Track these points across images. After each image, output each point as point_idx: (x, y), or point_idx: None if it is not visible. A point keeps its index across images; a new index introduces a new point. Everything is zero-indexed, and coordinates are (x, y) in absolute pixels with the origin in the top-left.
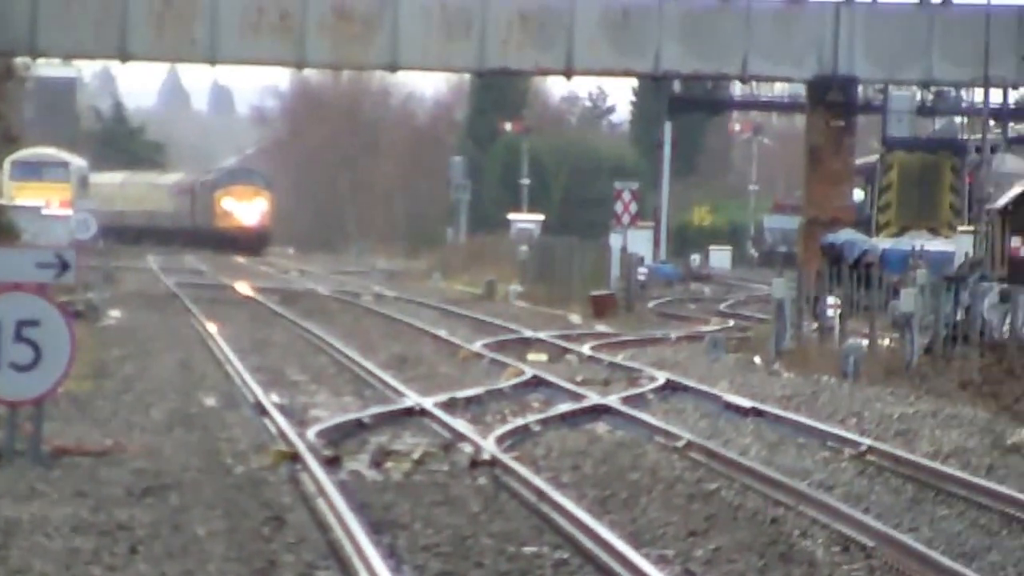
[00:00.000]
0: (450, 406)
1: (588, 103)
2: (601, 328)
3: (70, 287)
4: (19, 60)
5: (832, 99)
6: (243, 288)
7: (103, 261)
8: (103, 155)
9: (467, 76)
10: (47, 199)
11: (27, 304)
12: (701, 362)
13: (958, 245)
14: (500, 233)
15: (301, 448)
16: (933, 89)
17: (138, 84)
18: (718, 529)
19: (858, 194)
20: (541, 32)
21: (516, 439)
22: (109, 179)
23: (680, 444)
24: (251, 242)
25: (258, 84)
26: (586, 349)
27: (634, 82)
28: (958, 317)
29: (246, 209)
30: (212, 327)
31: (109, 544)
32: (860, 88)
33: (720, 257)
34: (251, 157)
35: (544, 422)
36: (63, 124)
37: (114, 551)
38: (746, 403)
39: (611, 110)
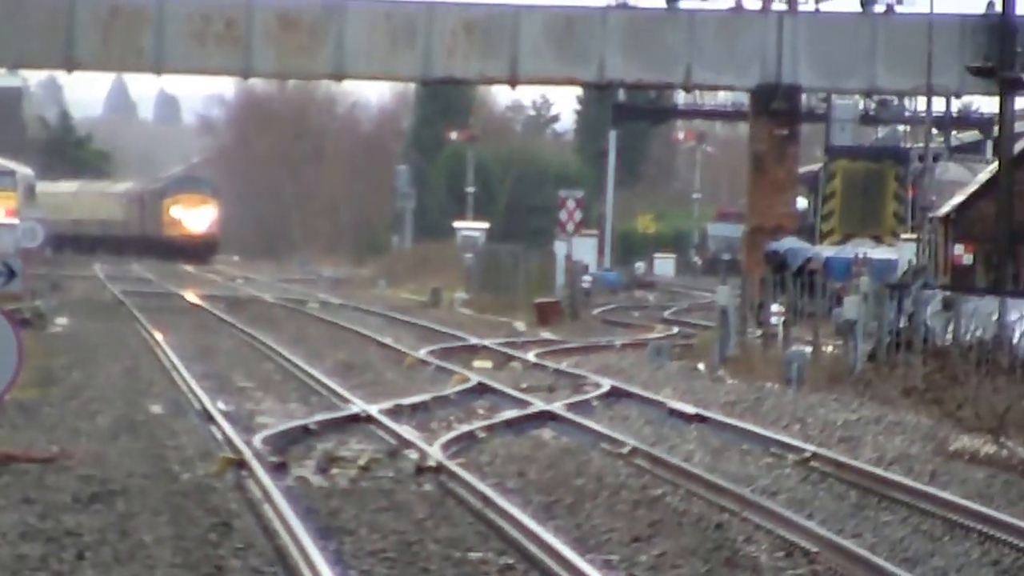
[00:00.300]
0: (396, 413)
1: (533, 112)
2: (546, 335)
3: (17, 295)
4: None
5: (776, 107)
6: (189, 296)
7: (50, 269)
8: (50, 164)
9: (412, 85)
10: None
11: None
12: (645, 369)
13: (901, 253)
14: (445, 241)
15: (247, 455)
16: (876, 98)
17: (84, 93)
18: (663, 535)
19: (801, 202)
20: (486, 41)
21: (462, 445)
22: (65, 188)
23: (625, 450)
24: (199, 250)
25: (204, 93)
26: (531, 356)
27: (578, 91)
28: (901, 324)
29: (194, 217)
30: (158, 335)
31: (56, 550)
32: (803, 96)
33: (664, 265)
34: (197, 166)
35: (489, 428)
36: (9, 133)
37: (62, 557)
38: (690, 410)
39: (555, 119)
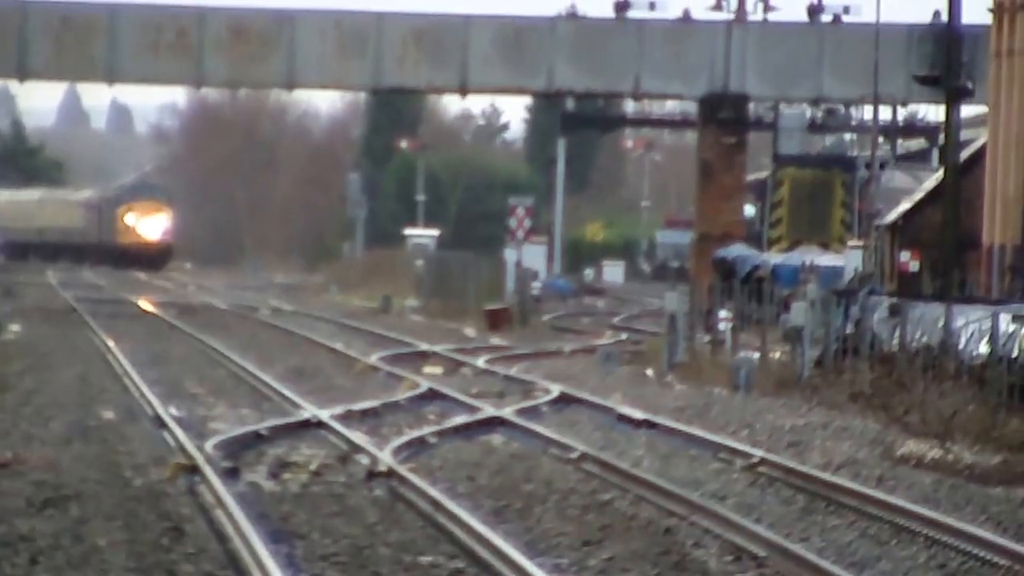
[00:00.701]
0: (347, 418)
1: (482, 120)
2: (496, 341)
3: None
4: None
5: (723, 116)
6: (141, 302)
7: (3, 277)
8: (1, 173)
9: (363, 94)
10: None
11: None
12: (595, 375)
13: (848, 260)
14: (396, 248)
15: (200, 460)
16: (823, 106)
17: (37, 103)
18: (612, 539)
19: (748, 210)
20: (436, 50)
21: (412, 451)
22: (27, 196)
23: (574, 455)
24: (153, 258)
25: (157, 102)
26: (481, 362)
27: (528, 99)
28: (848, 330)
29: (149, 224)
30: (111, 341)
31: (10, 555)
32: (751, 105)
33: (613, 272)
34: (150, 174)
35: (440, 434)
36: None
37: (15, 562)
38: (639, 415)
39: (505, 127)
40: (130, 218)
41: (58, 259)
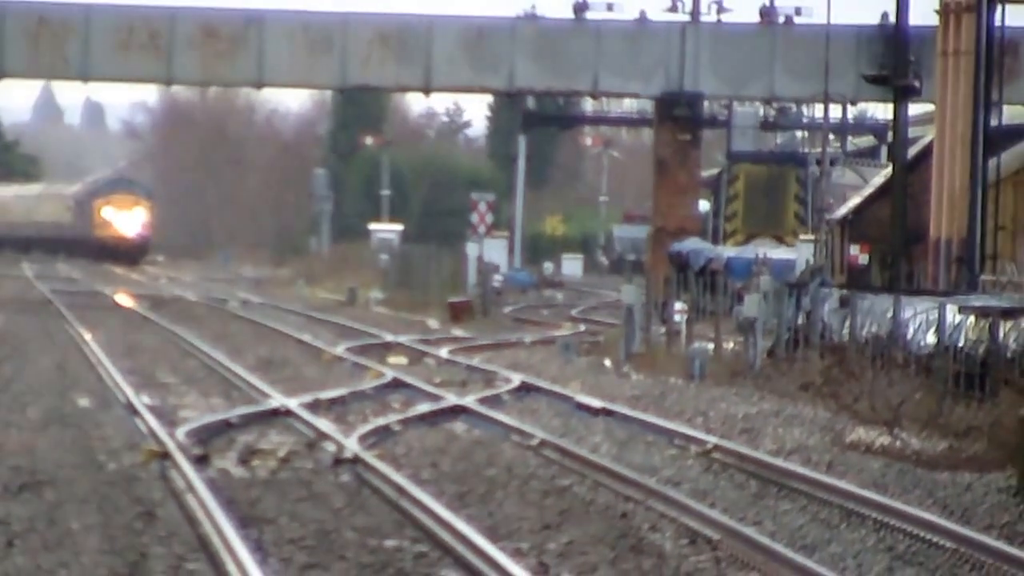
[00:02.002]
0: (314, 407)
1: (445, 118)
2: (458, 333)
3: None
4: None
5: (679, 114)
6: (115, 294)
7: None
8: None
9: (329, 92)
10: None
11: None
12: (554, 364)
13: (799, 253)
14: (361, 242)
15: (171, 447)
16: (775, 105)
17: (13, 100)
18: (571, 523)
19: (703, 205)
20: (400, 50)
21: (378, 438)
22: (25, 191)
23: (534, 442)
24: (130, 252)
25: (129, 100)
26: (444, 352)
27: (490, 98)
28: (799, 321)
29: (126, 218)
30: (85, 332)
31: None
32: (706, 104)
33: (572, 265)
34: (127, 168)
35: (404, 422)
36: None
37: None
38: (597, 403)
39: (467, 125)
40: (107, 212)
41: (32, 252)
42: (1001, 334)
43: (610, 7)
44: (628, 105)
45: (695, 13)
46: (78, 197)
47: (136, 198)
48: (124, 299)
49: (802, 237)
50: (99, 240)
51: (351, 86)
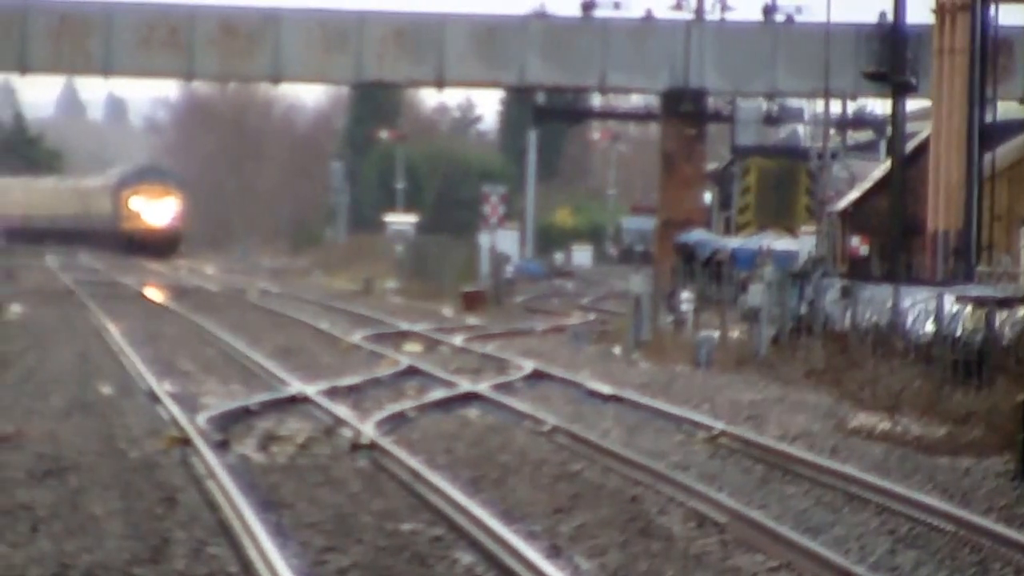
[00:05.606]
0: (331, 393)
1: (457, 113)
2: (472, 321)
3: None
4: None
5: (684, 109)
6: (135, 285)
7: (4, 260)
8: (3, 162)
9: (345, 88)
10: None
11: None
12: (565, 352)
13: (802, 244)
14: (377, 233)
15: (192, 433)
16: (778, 100)
17: (37, 95)
18: (582, 507)
19: (708, 197)
20: (414, 47)
21: (394, 424)
22: (53, 184)
23: (546, 428)
24: (160, 244)
25: (150, 95)
26: (458, 341)
27: (501, 93)
28: (802, 310)
29: (156, 209)
30: (107, 321)
31: (12, 523)
32: (710, 99)
33: (582, 255)
34: (152, 159)
35: (420, 408)
36: None
37: (17, 530)
38: (607, 390)
39: (479, 119)
40: (135, 202)
41: (54, 245)
42: (997, 323)
43: (617, 5)
44: (635, 100)
45: (699, 11)
46: (104, 187)
47: (166, 187)
48: (144, 289)
49: (804, 229)
50: (127, 232)
51: (366, 81)
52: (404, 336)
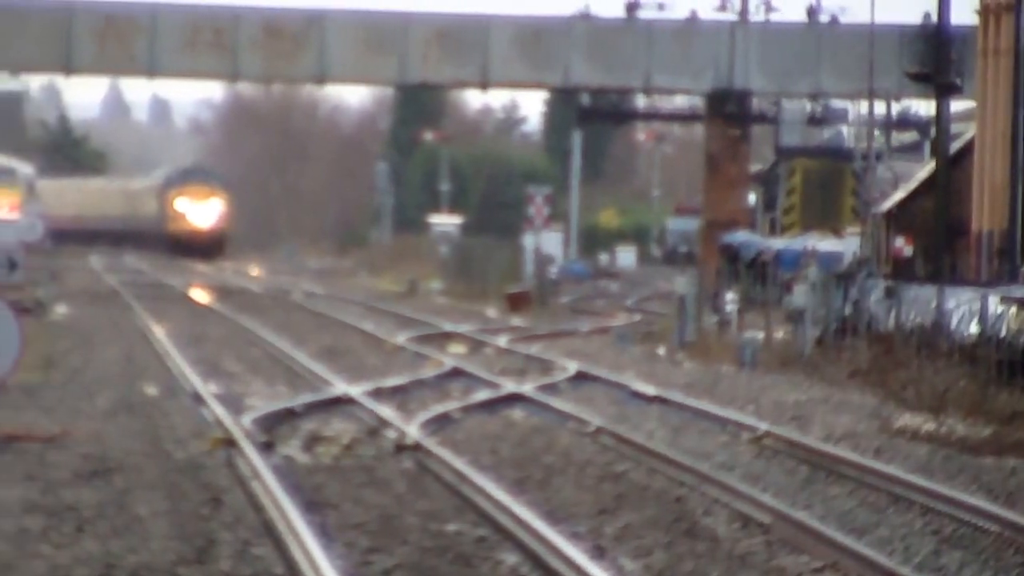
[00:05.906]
0: (376, 395)
1: (502, 114)
2: (516, 322)
3: (18, 285)
4: None
5: (728, 110)
6: (181, 286)
7: (49, 261)
8: (50, 163)
9: (390, 89)
10: None
11: None
12: (609, 353)
13: (847, 245)
14: (421, 234)
15: (237, 434)
16: (821, 101)
17: (82, 97)
18: (627, 507)
19: (752, 198)
20: (458, 48)
21: (438, 425)
22: (102, 185)
23: (590, 429)
24: (205, 246)
25: (195, 96)
26: (502, 342)
27: (545, 94)
28: (847, 311)
29: (201, 210)
30: (152, 322)
31: (57, 524)
32: (754, 100)
33: (626, 256)
34: (198, 160)
35: (464, 409)
36: (11, 134)
37: (62, 530)
38: (651, 391)
39: (523, 120)
40: (181, 203)
41: (101, 246)
42: None
43: (661, 7)
44: (679, 101)
45: (744, 12)
46: (150, 189)
47: (211, 189)
48: (189, 290)
49: (849, 230)
50: (172, 234)
51: (410, 83)
52: (448, 337)
